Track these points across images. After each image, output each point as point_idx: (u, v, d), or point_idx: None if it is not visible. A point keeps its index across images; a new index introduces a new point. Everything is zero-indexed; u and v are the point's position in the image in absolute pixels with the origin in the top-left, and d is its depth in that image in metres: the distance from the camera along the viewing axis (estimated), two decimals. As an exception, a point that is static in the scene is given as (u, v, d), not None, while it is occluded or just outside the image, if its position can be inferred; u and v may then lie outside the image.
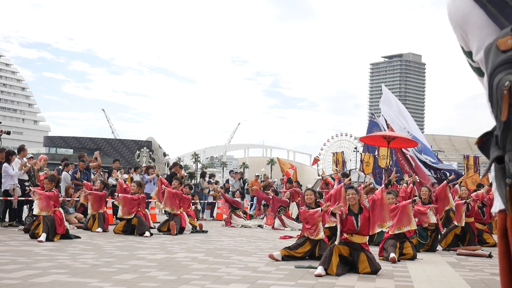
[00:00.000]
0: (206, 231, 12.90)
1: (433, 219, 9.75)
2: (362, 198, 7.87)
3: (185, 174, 18.37)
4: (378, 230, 7.57)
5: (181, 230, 12.17)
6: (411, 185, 12.07)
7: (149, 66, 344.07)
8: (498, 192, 1.35)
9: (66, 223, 10.50)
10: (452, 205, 10.57)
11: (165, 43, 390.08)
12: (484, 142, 1.37)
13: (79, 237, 10.09)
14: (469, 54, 1.54)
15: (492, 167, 1.41)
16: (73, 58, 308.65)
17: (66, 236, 9.91)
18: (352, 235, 7.16)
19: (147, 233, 11.09)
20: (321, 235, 8.16)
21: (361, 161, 19.85)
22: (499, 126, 1.29)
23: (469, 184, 17.37)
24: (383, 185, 7.91)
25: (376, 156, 19.85)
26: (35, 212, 9.79)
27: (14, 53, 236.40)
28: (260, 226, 15.43)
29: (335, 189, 9.94)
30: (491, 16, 1.39)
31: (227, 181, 22.27)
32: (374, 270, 6.88)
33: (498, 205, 1.41)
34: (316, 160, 18.79)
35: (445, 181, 11.18)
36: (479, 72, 1.56)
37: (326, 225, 8.77)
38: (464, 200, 10.75)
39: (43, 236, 9.34)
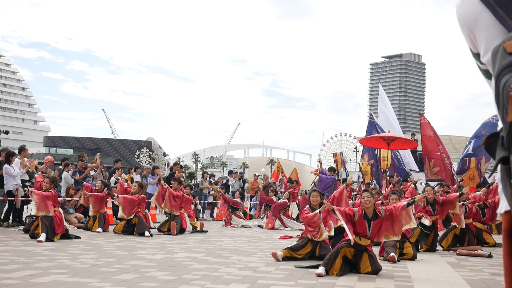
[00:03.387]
0: (206, 231, 12.91)
1: (413, 224, 9.19)
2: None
3: (181, 174, 18.34)
4: (383, 239, 7.44)
5: (181, 231, 12.18)
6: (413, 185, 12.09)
7: (148, 66, 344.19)
8: (504, 193, 1.35)
9: (66, 223, 10.49)
10: (456, 211, 10.50)
11: (163, 42, 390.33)
12: (491, 143, 1.37)
13: (79, 237, 10.10)
14: (477, 56, 1.54)
15: (498, 168, 1.42)
16: (72, 58, 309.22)
17: (66, 236, 9.92)
18: (360, 238, 7.10)
19: (147, 233, 11.10)
20: (325, 235, 8.14)
21: (360, 170, 19.90)
22: (505, 127, 1.29)
23: (468, 182, 17.23)
24: (404, 203, 7.67)
25: (376, 160, 19.91)
26: (33, 212, 9.82)
27: (13, 52, 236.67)
28: (260, 226, 15.44)
29: (337, 191, 9.86)
30: (499, 18, 1.40)
31: (227, 181, 22.29)
32: (375, 270, 6.88)
33: (504, 206, 1.41)
34: (317, 170, 18.76)
35: (457, 194, 11.08)
36: (487, 74, 1.56)
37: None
38: (462, 202, 10.74)
39: (42, 236, 9.34)
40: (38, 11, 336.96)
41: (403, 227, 7.59)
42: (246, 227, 15.39)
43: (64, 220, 10.17)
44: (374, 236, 7.17)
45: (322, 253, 7.99)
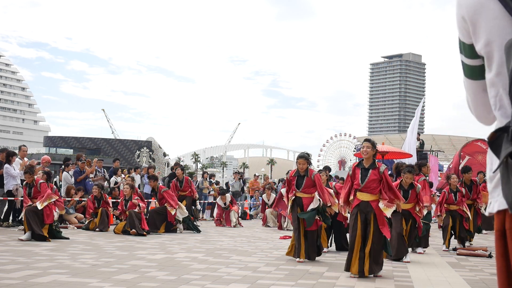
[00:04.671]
0: (200, 231, 12.72)
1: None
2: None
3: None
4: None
5: (169, 226, 12.23)
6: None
7: (148, 66, 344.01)
8: (504, 192, 1.32)
9: (56, 214, 10.01)
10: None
11: (163, 42, 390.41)
12: (495, 139, 1.34)
13: (67, 238, 9.88)
14: (468, 48, 1.52)
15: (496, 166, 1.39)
16: (72, 58, 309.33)
17: (53, 232, 9.72)
18: (359, 191, 6.82)
19: (133, 231, 11.13)
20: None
21: None
22: None
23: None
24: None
25: None
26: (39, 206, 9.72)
27: (13, 52, 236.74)
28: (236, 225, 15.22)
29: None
30: (509, 9, 1.38)
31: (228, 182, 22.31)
32: (376, 250, 6.72)
33: (496, 206, 1.39)
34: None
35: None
36: (471, 71, 1.55)
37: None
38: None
39: (26, 236, 9.27)
40: (38, 11, 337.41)
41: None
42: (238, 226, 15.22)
43: (55, 210, 9.89)
44: (372, 187, 6.75)
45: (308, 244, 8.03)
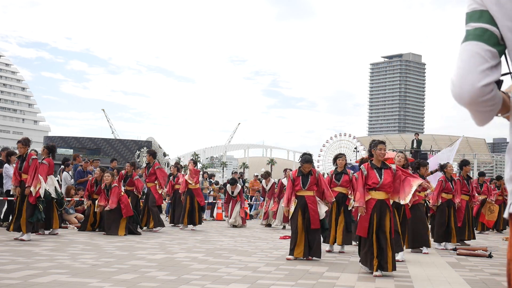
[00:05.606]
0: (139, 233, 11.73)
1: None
2: None
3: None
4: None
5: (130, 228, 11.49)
6: None
7: (147, 66, 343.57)
8: None
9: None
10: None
11: (163, 42, 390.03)
12: None
13: (42, 219, 9.84)
14: (487, 15, 1.43)
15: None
16: (72, 58, 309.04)
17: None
18: (375, 190, 7.01)
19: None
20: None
21: None
22: None
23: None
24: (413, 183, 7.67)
25: None
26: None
27: (12, 52, 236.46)
28: (234, 226, 15.26)
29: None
30: None
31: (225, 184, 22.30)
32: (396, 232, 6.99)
33: None
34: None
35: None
36: (481, 32, 1.42)
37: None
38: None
39: (26, 236, 9.29)
40: (37, 10, 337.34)
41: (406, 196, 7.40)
42: (234, 225, 15.23)
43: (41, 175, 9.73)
44: (388, 185, 7.01)
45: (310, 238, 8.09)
